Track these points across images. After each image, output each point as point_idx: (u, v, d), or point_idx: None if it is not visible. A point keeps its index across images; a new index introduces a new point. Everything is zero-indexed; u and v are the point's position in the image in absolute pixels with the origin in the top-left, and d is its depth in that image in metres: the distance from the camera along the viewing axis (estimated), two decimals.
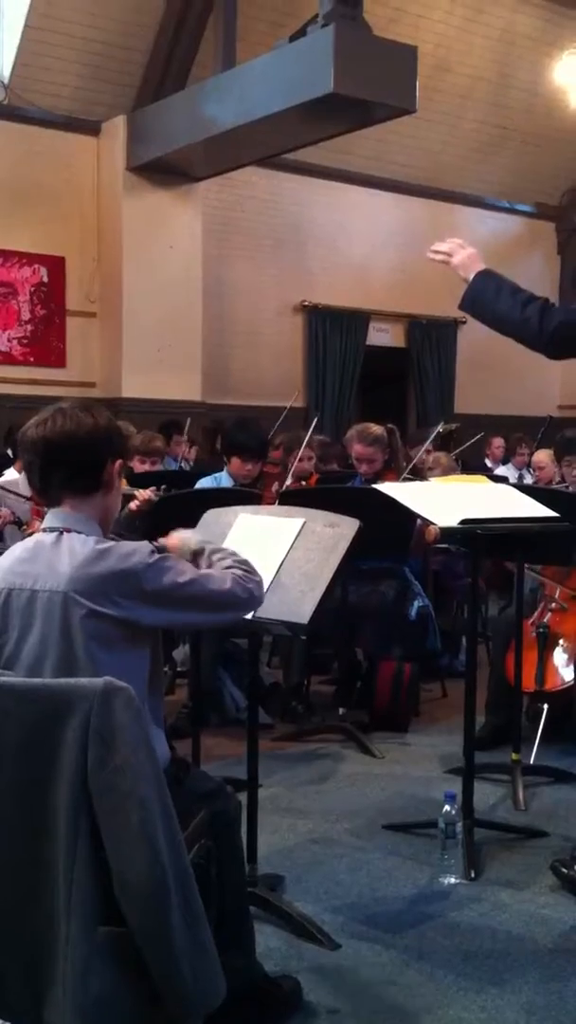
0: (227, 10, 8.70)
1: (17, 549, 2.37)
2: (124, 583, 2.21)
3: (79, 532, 2.28)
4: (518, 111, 11.70)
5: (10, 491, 5.65)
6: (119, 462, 2.40)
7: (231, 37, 8.67)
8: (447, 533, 3.77)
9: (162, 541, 2.58)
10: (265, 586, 2.70)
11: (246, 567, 2.49)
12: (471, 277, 3.27)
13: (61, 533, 2.29)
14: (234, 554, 2.56)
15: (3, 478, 6.26)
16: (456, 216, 12.30)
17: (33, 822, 1.83)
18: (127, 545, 2.28)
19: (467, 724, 3.68)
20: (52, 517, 2.34)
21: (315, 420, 7.06)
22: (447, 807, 3.45)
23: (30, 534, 2.69)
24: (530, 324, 3.10)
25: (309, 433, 6.36)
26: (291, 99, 7.68)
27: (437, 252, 3.38)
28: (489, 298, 3.22)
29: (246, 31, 8.83)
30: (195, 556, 2.54)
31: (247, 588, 2.42)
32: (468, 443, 8.21)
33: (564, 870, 3.34)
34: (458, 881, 3.39)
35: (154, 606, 2.25)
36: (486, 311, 3.24)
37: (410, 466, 5.84)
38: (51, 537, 2.29)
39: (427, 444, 6.88)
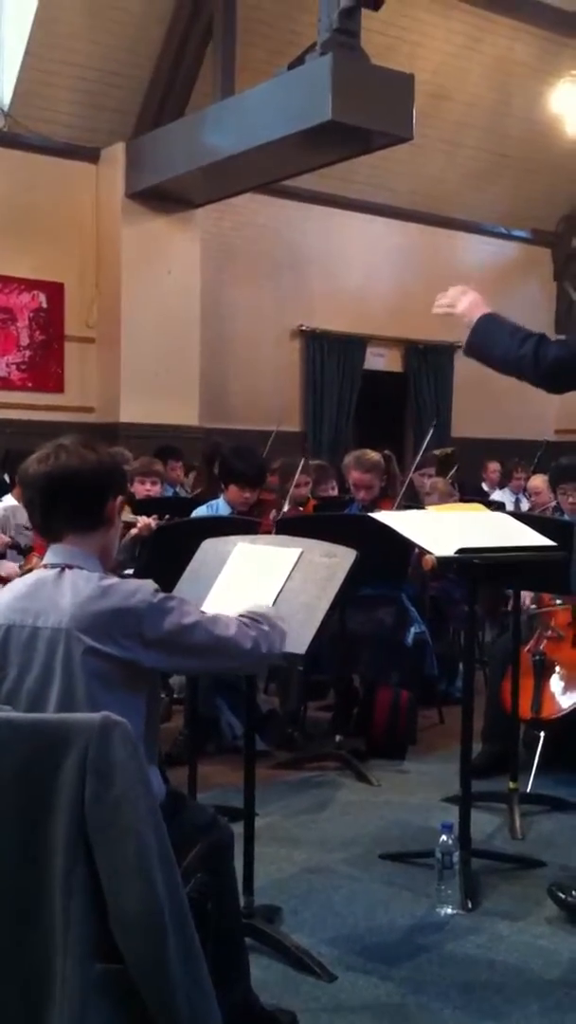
0: (226, 38, 8.78)
1: (17, 585, 2.37)
2: (126, 622, 2.21)
3: (82, 568, 2.29)
4: (515, 138, 11.78)
5: (24, 525, 5.66)
6: (120, 498, 2.42)
7: (230, 65, 8.75)
8: (444, 562, 3.78)
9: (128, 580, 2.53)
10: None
11: (257, 617, 2.49)
12: (474, 322, 3.28)
13: (63, 569, 2.29)
14: (262, 615, 2.54)
15: (2, 503, 6.26)
16: (453, 242, 12.38)
17: (30, 856, 1.82)
18: (131, 583, 2.28)
19: (464, 752, 3.67)
20: (53, 553, 2.35)
21: (302, 461, 7.00)
22: (444, 837, 3.43)
23: (29, 570, 2.69)
24: (526, 361, 3.12)
25: (302, 463, 6.36)
26: (289, 127, 7.74)
27: (440, 306, 3.39)
28: (490, 341, 3.24)
29: (245, 59, 8.90)
30: None
31: (251, 636, 2.41)
32: (453, 470, 8.21)
33: (561, 895, 3.33)
34: (455, 912, 3.38)
35: (155, 649, 2.25)
36: (488, 354, 3.26)
37: (404, 488, 5.85)
38: (52, 573, 2.29)
39: (416, 462, 6.88)
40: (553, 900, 3.35)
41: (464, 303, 3.32)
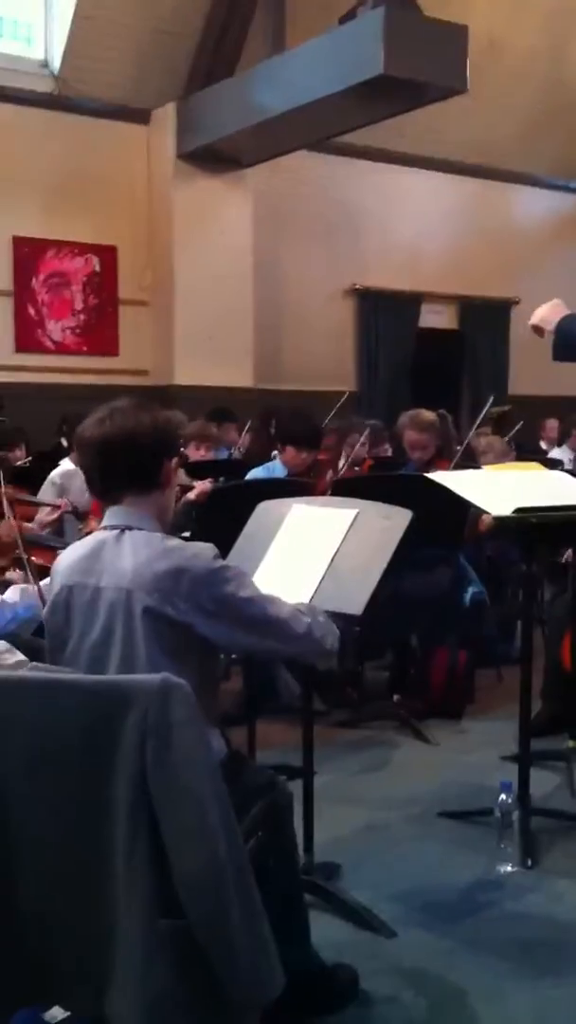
0: None
1: (79, 546, 2.40)
2: (184, 584, 2.22)
3: (141, 529, 2.31)
4: (571, 87, 11.52)
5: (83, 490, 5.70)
6: (175, 459, 2.43)
7: (280, 22, 8.66)
8: (501, 522, 3.75)
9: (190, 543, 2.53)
10: (319, 577, 2.71)
11: (312, 609, 2.48)
12: (555, 326, 3.21)
13: (123, 531, 2.31)
14: (319, 610, 2.54)
15: (61, 468, 6.31)
16: (509, 195, 12.17)
17: (93, 817, 1.86)
18: (193, 546, 2.30)
19: (523, 711, 3.66)
20: (112, 515, 2.37)
21: (367, 430, 6.98)
22: (503, 795, 3.44)
23: (87, 533, 2.72)
24: None
25: (365, 429, 6.34)
26: (341, 82, 7.65)
27: (534, 328, 3.32)
28: (573, 338, 3.16)
29: (295, 15, 8.79)
30: None
31: (305, 622, 2.41)
32: (514, 429, 8.12)
33: None
34: (515, 869, 3.38)
35: (209, 616, 2.26)
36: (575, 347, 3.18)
37: (462, 450, 5.81)
38: (113, 534, 2.32)
39: (476, 426, 6.83)
40: None
41: (541, 309, 3.24)
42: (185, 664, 2.20)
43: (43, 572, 3.35)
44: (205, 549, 2.30)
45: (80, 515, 5.50)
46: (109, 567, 2.27)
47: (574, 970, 2.80)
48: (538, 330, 3.24)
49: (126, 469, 2.34)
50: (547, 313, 3.20)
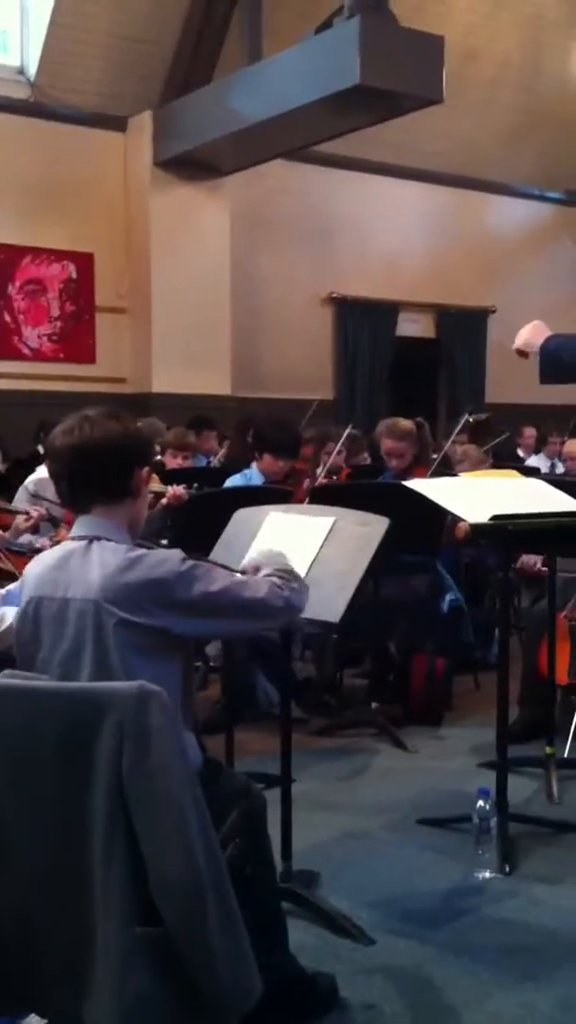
0: (252, 3, 8.71)
1: (47, 557, 2.38)
2: (155, 592, 2.22)
3: (109, 540, 2.30)
4: (547, 97, 11.60)
5: (44, 499, 5.68)
6: (146, 469, 2.42)
7: (257, 30, 8.68)
8: (478, 529, 3.77)
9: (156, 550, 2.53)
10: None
11: (286, 575, 2.49)
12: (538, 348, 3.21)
13: (91, 541, 2.30)
14: (288, 568, 2.55)
15: (36, 475, 6.29)
16: (486, 204, 12.25)
17: (70, 824, 1.85)
18: (158, 554, 2.29)
19: (500, 717, 3.67)
20: (81, 525, 2.35)
21: (350, 426, 7.03)
22: (481, 802, 3.45)
23: (57, 541, 2.70)
24: None
25: (346, 433, 6.37)
26: (318, 91, 7.68)
27: (517, 352, 3.32)
28: (558, 357, 3.17)
29: (272, 24, 8.81)
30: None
31: (283, 596, 2.41)
32: (493, 442, 8.17)
33: None
34: (493, 876, 3.39)
35: (186, 616, 2.26)
36: (561, 368, 3.18)
37: (439, 459, 5.83)
38: (81, 545, 2.30)
39: (455, 435, 6.86)
40: None
41: (524, 332, 3.24)
42: (160, 672, 2.19)
43: (13, 579, 3.33)
44: (171, 554, 2.29)
45: (56, 522, 5.48)
46: (76, 578, 2.26)
47: (553, 975, 2.80)
48: (522, 353, 3.23)
49: (95, 478, 2.33)
50: (529, 336, 3.18)
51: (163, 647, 2.26)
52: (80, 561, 2.27)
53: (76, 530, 2.36)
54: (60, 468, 2.35)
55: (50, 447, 2.36)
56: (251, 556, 2.67)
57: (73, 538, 2.35)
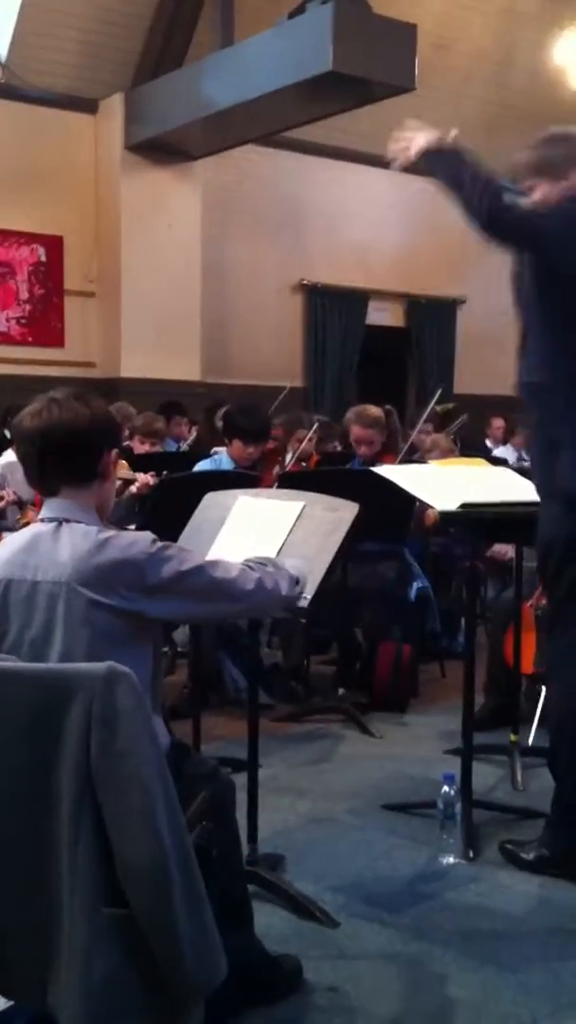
0: None
1: (15, 539, 2.37)
2: (126, 573, 2.22)
3: (78, 522, 2.29)
4: (518, 90, 11.64)
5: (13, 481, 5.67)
6: (115, 451, 2.41)
7: (229, 15, 8.64)
8: (446, 517, 3.79)
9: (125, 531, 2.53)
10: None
11: (263, 561, 2.50)
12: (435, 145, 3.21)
13: (60, 523, 2.29)
14: (268, 560, 2.56)
15: (3, 459, 6.25)
16: None
17: (37, 806, 1.85)
18: (129, 535, 2.29)
19: (466, 705, 3.70)
20: (50, 507, 2.34)
21: (316, 424, 7.03)
22: (446, 788, 3.46)
23: (24, 524, 2.69)
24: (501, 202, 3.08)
25: (314, 424, 6.37)
26: (290, 77, 7.66)
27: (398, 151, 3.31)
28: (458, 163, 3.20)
29: (244, 8, 8.78)
30: None
31: (254, 577, 2.41)
32: (457, 424, 8.21)
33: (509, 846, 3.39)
34: (457, 861, 3.42)
35: (157, 597, 2.25)
36: (454, 174, 3.21)
37: (407, 446, 5.85)
38: (50, 527, 2.29)
39: (421, 423, 6.88)
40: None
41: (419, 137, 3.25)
42: (130, 654, 2.19)
43: None
44: (142, 535, 2.29)
45: (23, 505, 5.45)
46: (46, 561, 2.25)
47: (514, 959, 2.83)
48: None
49: (64, 460, 2.32)
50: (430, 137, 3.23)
51: (133, 630, 2.26)
52: (49, 543, 2.26)
53: (45, 512, 2.35)
54: (28, 450, 2.33)
55: (17, 429, 2.34)
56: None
57: (42, 520, 2.33)
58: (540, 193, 3.22)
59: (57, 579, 2.21)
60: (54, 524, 2.29)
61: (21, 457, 2.38)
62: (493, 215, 3.11)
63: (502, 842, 3.47)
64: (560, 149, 3.31)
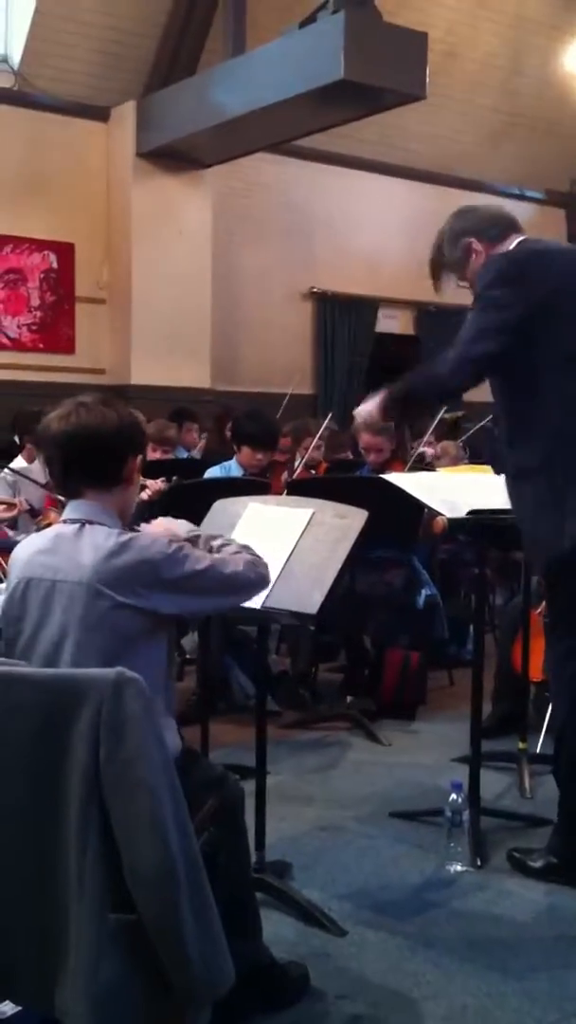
0: None
1: (36, 539, 2.39)
2: (146, 573, 2.26)
3: (101, 524, 2.32)
4: (528, 97, 11.64)
5: (26, 477, 5.69)
6: (140, 457, 2.44)
7: (240, 23, 8.65)
8: (455, 524, 3.80)
9: (145, 527, 2.60)
10: (274, 576, 2.74)
11: (251, 551, 2.56)
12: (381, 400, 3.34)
13: (83, 525, 2.32)
14: (232, 541, 2.63)
15: (13, 465, 6.27)
16: (465, 202, 12.16)
17: (45, 811, 1.86)
18: (146, 536, 2.32)
19: (474, 712, 3.70)
20: (73, 509, 2.37)
21: (330, 415, 7.05)
22: (453, 795, 3.47)
23: (45, 525, 2.71)
24: (454, 365, 3.19)
25: (324, 424, 6.37)
26: (301, 85, 7.66)
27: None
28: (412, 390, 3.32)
29: (256, 17, 8.80)
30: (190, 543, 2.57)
31: (257, 571, 2.50)
32: (473, 428, 8.21)
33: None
34: (464, 869, 3.42)
35: (172, 593, 2.30)
36: (417, 396, 3.35)
37: (415, 454, 5.85)
38: (72, 528, 2.32)
39: (429, 434, 6.89)
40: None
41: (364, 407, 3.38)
42: (144, 655, 2.21)
43: None
44: (159, 536, 2.34)
45: (36, 513, 5.48)
46: (67, 561, 2.27)
47: (522, 968, 2.83)
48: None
49: (90, 465, 2.35)
50: (373, 404, 3.36)
51: (149, 631, 2.29)
52: (71, 544, 2.29)
53: (68, 513, 2.38)
54: (54, 453, 2.36)
55: (44, 432, 2.37)
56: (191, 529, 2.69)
57: (64, 521, 2.36)
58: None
59: (78, 580, 2.24)
60: (76, 526, 2.32)
61: (47, 459, 2.42)
62: (449, 387, 3.35)
63: (510, 850, 3.47)
64: (453, 250, 3.62)
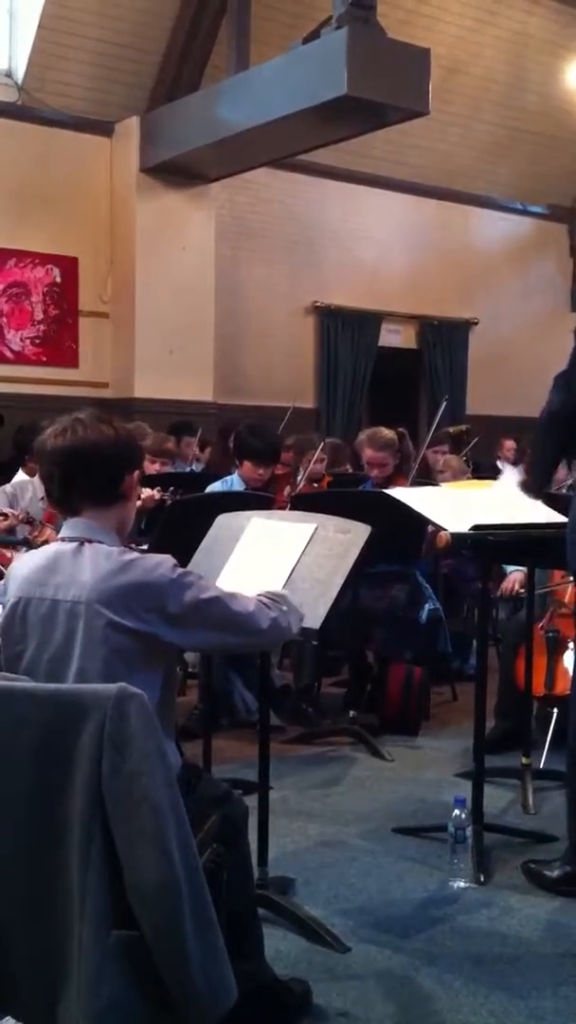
0: (240, 12, 8.71)
1: (35, 557, 2.37)
2: (148, 596, 2.22)
3: (100, 542, 2.30)
4: (531, 113, 11.69)
5: (28, 492, 5.70)
6: (137, 473, 2.42)
7: (244, 39, 8.69)
8: (458, 538, 3.79)
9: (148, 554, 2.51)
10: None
11: (275, 598, 2.49)
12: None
13: (82, 544, 2.30)
14: (280, 596, 2.54)
15: (14, 479, 6.27)
16: (468, 218, 12.31)
17: (48, 828, 1.85)
18: (151, 558, 2.29)
19: (477, 728, 3.69)
20: (71, 527, 2.35)
21: (324, 441, 7.06)
22: (457, 811, 3.45)
23: (43, 542, 2.70)
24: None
25: (324, 441, 6.38)
26: (304, 101, 7.69)
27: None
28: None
29: (260, 33, 8.84)
30: None
31: (270, 616, 2.41)
32: (472, 442, 8.23)
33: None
34: (468, 885, 3.40)
35: (175, 624, 2.25)
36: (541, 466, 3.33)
37: (415, 469, 5.85)
38: (71, 547, 2.30)
39: (431, 434, 6.90)
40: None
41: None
42: (144, 676, 2.19)
43: None
44: (164, 559, 2.30)
45: (33, 522, 5.47)
46: (67, 580, 2.26)
47: (526, 984, 2.81)
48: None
49: (87, 481, 2.33)
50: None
51: (149, 653, 2.26)
52: (71, 563, 2.27)
53: (66, 531, 2.36)
54: (51, 470, 2.34)
55: (41, 448, 2.36)
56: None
57: (63, 539, 2.34)
58: None
59: (78, 599, 2.22)
60: (75, 544, 2.30)
61: (44, 476, 2.39)
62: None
63: (525, 862, 3.45)
64: None
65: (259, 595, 2.49)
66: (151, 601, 2.22)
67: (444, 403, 7.45)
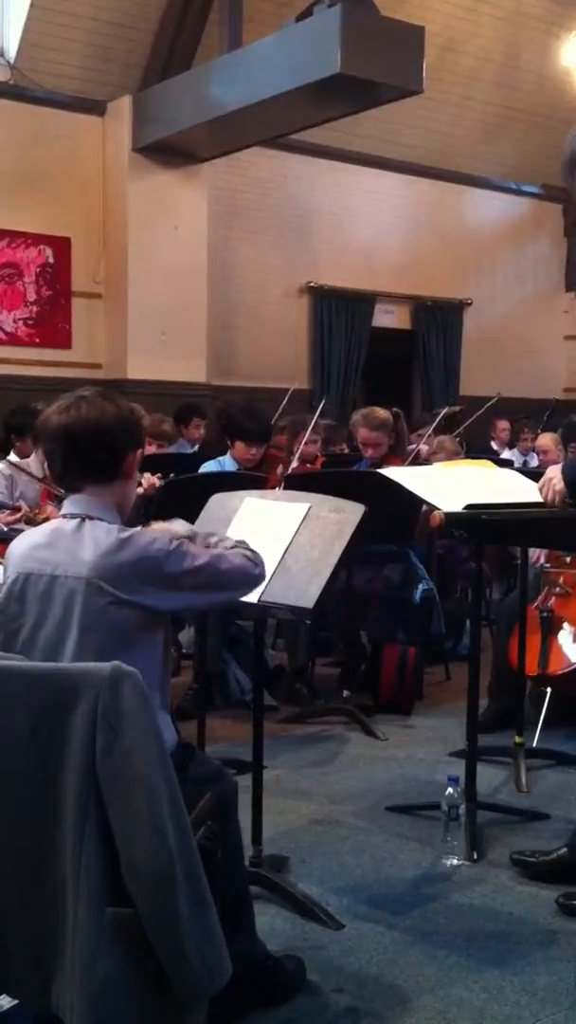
0: None
1: (34, 534, 2.39)
2: (147, 570, 2.26)
3: (101, 519, 2.31)
4: (525, 92, 11.64)
5: (24, 471, 5.69)
6: (139, 451, 2.43)
7: (237, 17, 8.64)
8: (452, 518, 3.79)
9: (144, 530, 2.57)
10: (271, 570, 2.74)
11: (247, 546, 2.55)
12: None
13: (83, 520, 2.31)
14: (228, 538, 2.61)
15: (8, 459, 6.26)
16: (462, 197, 12.27)
17: (42, 806, 1.85)
18: (148, 534, 2.32)
19: (470, 707, 3.70)
20: (72, 504, 2.37)
21: (322, 403, 7.05)
22: (450, 789, 3.47)
23: (43, 519, 2.71)
24: None
25: (315, 418, 6.36)
26: (298, 80, 7.65)
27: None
28: None
29: (252, 11, 8.79)
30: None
31: (253, 566, 2.48)
32: (470, 420, 8.24)
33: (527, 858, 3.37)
34: (461, 863, 3.42)
35: (173, 590, 2.30)
36: None
37: (413, 453, 5.85)
38: (72, 524, 2.31)
39: (429, 430, 6.89)
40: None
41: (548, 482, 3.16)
42: (141, 652, 2.20)
43: None
44: (160, 534, 2.33)
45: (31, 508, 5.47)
46: (67, 556, 2.27)
47: (518, 961, 2.83)
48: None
49: (90, 459, 2.35)
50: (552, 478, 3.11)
51: (146, 627, 2.29)
52: (71, 539, 2.29)
53: (67, 508, 2.37)
54: (54, 447, 2.36)
55: (43, 425, 2.37)
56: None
57: (64, 516, 2.35)
58: None
59: (78, 575, 2.24)
60: (76, 521, 2.32)
61: (46, 453, 2.42)
62: None
63: (512, 852, 3.43)
64: None
65: (231, 545, 2.53)
66: (150, 574, 2.26)
67: (446, 408, 7.46)
